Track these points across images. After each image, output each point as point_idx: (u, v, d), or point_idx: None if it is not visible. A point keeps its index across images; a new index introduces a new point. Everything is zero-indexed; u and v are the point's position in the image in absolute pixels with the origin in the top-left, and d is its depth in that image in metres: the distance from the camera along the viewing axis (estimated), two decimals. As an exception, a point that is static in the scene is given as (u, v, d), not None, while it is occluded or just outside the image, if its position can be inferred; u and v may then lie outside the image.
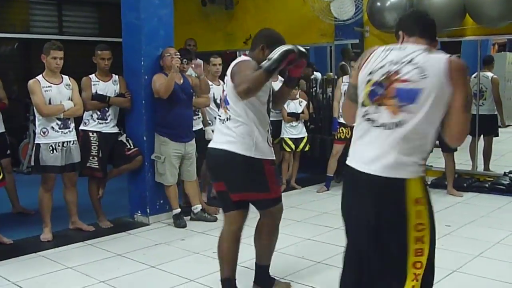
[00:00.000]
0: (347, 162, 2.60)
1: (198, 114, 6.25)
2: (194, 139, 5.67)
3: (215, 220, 5.70)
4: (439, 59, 2.42)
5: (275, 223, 3.66)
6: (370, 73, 2.54)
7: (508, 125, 8.62)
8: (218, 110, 6.45)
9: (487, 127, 7.48)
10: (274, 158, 3.56)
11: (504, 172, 6.97)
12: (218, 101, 6.51)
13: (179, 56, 5.42)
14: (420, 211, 2.49)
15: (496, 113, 7.61)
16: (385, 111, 2.46)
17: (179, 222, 5.50)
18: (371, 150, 2.47)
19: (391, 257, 2.52)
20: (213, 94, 6.47)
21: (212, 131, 6.28)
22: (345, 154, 7.35)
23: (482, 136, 7.46)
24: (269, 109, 3.57)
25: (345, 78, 6.88)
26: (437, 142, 7.09)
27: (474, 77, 7.57)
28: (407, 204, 2.43)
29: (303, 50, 3.35)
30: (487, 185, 6.81)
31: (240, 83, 3.19)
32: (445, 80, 2.37)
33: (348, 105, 2.72)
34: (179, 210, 5.55)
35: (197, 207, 5.72)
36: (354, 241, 2.65)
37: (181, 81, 5.51)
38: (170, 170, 5.47)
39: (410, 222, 2.45)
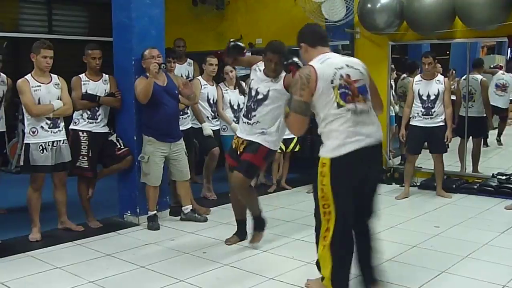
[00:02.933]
0: (350, 147, 3.28)
1: (188, 113, 6.26)
2: (181, 139, 5.65)
3: (205, 220, 5.70)
4: (358, 60, 3.52)
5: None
6: (332, 81, 3.28)
7: (496, 127, 8.69)
8: (211, 110, 6.60)
9: (476, 129, 7.53)
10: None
11: (493, 174, 7.01)
12: (212, 101, 6.56)
13: (158, 61, 5.36)
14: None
15: (485, 115, 7.65)
16: (359, 104, 3.34)
17: (152, 225, 5.44)
18: (366, 128, 3.33)
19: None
20: (207, 93, 6.51)
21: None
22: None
23: (471, 138, 7.50)
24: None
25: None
26: (426, 143, 7.17)
27: (464, 79, 7.62)
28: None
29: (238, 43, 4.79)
30: (475, 187, 6.85)
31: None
32: (367, 72, 3.47)
33: (301, 119, 3.36)
34: (154, 212, 5.50)
35: (188, 208, 5.71)
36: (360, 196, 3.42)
37: (165, 82, 5.47)
38: (155, 170, 5.43)
39: None
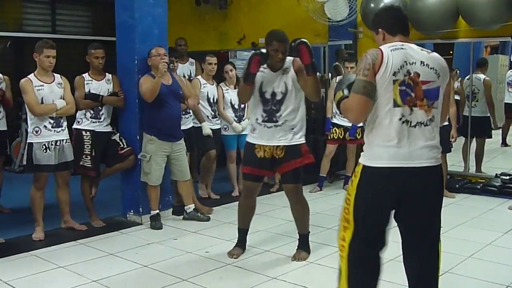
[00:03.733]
0: (380, 164, 2.82)
1: (190, 113, 6.26)
2: (182, 139, 5.65)
3: (208, 219, 5.70)
4: (440, 58, 2.91)
5: None
6: (394, 74, 2.78)
7: (500, 127, 8.67)
8: (211, 109, 6.59)
9: (480, 129, 7.52)
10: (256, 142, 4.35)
11: (496, 174, 7.00)
12: (212, 100, 6.56)
13: (166, 61, 5.36)
14: None
15: (488, 115, 7.64)
16: (419, 111, 2.82)
17: (154, 224, 5.43)
18: (415, 147, 2.81)
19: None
20: (207, 92, 6.51)
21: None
22: (338, 154, 7.41)
23: (474, 138, 7.49)
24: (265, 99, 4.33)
25: (339, 79, 6.90)
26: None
27: (467, 79, 7.60)
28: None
29: (261, 51, 4.16)
30: (479, 187, 6.84)
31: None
32: (447, 74, 2.91)
33: (366, 101, 2.78)
34: (156, 211, 5.50)
35: (190, 207, 5.71)
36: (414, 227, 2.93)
37: (170, 81, 5.48)
38: (156, 169, 5.43)
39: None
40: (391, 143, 2.79)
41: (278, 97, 4.27)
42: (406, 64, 2.79)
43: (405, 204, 2.85)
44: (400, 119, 2.79)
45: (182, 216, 5.75)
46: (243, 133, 6.69)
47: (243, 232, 4.70)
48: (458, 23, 6.70)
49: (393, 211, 2.90)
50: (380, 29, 2.97)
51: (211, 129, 6.51)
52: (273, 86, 4.28)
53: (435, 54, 2.91)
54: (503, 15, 6.18)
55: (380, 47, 2.85)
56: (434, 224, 2.94)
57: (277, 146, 4.31)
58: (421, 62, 2.82)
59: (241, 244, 4.68)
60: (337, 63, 7.86)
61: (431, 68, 2.84)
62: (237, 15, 8.80)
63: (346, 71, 6.75)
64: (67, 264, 4.43)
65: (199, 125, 6.45)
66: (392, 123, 2.79)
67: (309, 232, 4.60)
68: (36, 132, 4.96)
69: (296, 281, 3.99)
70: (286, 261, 4.47)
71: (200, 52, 7.77)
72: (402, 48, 2.82)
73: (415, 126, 2.80)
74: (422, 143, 2.80)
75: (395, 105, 2.79)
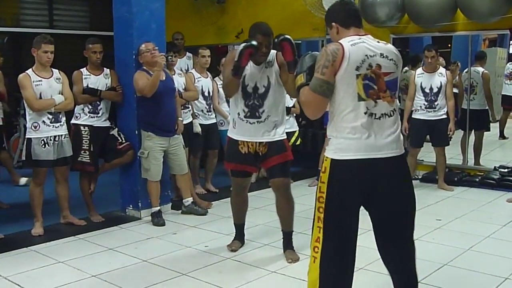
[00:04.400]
0: (352, 157, 2.78)
1: (188, 107, 6.25)
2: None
3: (205, 213, 5.71)
4: (394, 48, 2.94)
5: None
6: (357, 68, 2.76)
7: (497, 120, 8.67)
8: (206, 103, 6.55)
9: (478, 122, 7.52)
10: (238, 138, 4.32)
11: (495, 167, 7.00)
12: (206, 94, 6.54)
13: (164, 54, 5.34)
14: None
15: (487, 108, 7.65)
16: (383, 103, 2.81)
17: (157, 221, 5.41)
18: (381, 139, 2.80)
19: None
20: (201, 86, 6.48)
21: (200, 124, 6.37)
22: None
23: (473, 131, 7.50)
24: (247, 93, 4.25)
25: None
26: (428, 137, 7.17)
27: (466, 72, 7.60)
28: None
29: (253, 43, 4.01)
30: (477, 180, 6.84)
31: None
32: (401, 64, 2.95)
33: (321, 101, 2.80)
34: (158, 208, 5.49)
35: (188, 200, 5.72)
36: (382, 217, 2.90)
37: (164, 77, 5.45)
38: (155, 165, 5.43)
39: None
40: (357, 135, 2.77)
41: (261, 91, 4.21)
42: (368, 57, 2.78)
43: (377, 195, 2.82)
44: (366, 112, 2.78)
45: (180, 210, 5.76)
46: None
47: (239, 227, 4.70)
48: (456, 16, 6.70)
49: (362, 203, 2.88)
50: (333, 23, 2.96)
51: (206, 124, 6.48)
52: (255, 80, 4.20)
53: (390, 45, 2.95)
54: (501, 8, 6.18)
55: (340, 41, 2.81)
56: (408, 212, 2.92)
57: (260, 143, 4.27)
58: (381, 54, 2.82)
59: (239, 237, 4.69)
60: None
61: (390, 59, 2.84)
62: (235, 9, 8.78)
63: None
64: (66, 259, 4.43)
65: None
66: (358, 116, 2.78)
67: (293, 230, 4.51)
68: (35, 127, 4.96)
69: (295, 274, 4.00)
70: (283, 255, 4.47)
71: (198, 46, 7.76)
72: (361, 42, 2.82)
73: (379, 118, 2.81)
74: (387, 134, 2.82)
75: (360, 99, 2.78)
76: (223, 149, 6.80)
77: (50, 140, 4.99)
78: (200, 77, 6.50)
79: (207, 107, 6.57)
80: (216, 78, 6.71)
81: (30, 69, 5.00)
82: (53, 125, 5.02)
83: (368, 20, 7.21)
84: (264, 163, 4.38)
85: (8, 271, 4.16)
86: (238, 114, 4.27)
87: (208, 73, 6.63)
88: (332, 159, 2.80)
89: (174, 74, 5.93)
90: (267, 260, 4.35)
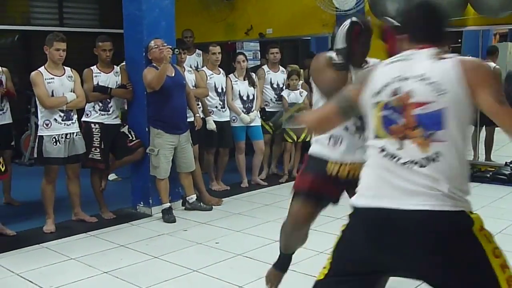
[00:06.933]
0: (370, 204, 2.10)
1: (198, 104, 6.25)
2: (188, 130, 5.66)
3: (210, 209, 5.74)
4: (446, 65, 2.02)
5: None
6: (376, 94, 2.12)
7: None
8: (219, 99, 6.55)
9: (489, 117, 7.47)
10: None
11: (506, 162, 6.97)
12: (219, 90, 6.55)
13: (170, 47, 5.35)
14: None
15: (497, 103, 7.59)
16: (411, 144, 2.03)
17: (168, 217, 5.42)
18: (403, 191, 2.02)
19: None
20: (214, 83, 6.49)
21: (214, 121, 6.38)
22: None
23: (484, 126, 7.46)
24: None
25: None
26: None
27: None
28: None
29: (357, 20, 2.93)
30: (488, 175, 6.82)
31: None
32: (461, 86, 2.00)
33: (334, 114, 2.27)
34: (168, 205, 5.50)
35: (192, 197, 5.75)
36: None
37: (173, 73, 5.47)
38: (164, 163, 5.45)
39: None
40: (374, 182, 2.12)
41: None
42: (394, 80, 2.07)
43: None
44: (382, 151, 2.09)
45: (184, 207, 5.80)
46: (251, 124, 6.71)
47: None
48: (466, 11, 6.66)
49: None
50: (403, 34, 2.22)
51: (219, 121, 6.48)
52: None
53: (444, 62, 2.04)
54: (511, 2, 6.13)
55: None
56: None
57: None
58: (421, 76, 2.03)
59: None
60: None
61: (431, 83, 2.00)
62: (244, 5, 8.78)
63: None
64: (78, 256, 4.46)
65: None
66: (375, 157, 2.12)
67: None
68: (47, 125, 4.99)
69: (307, 271, 4.00)
70: (297, 251, 4.45)
71: (207, 43, 7.78)
72: (403, 59, 2.11)
73: (404, 165, 2.03)
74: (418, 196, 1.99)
75: (376, 136, 2.13)
76: (235, 146, 6.87)
77: (62, 137, 5.02)
78: (212, 74, 6.50)
79: (221, 103, 6.55)
80: (231, 75, 6.71)
81: (43, 67, 5.03)
82: (65, 123, 5.04)
83: (378, 16, 7.19)
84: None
85: (21, 267, 4.19)
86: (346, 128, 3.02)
87: (220, 69, 6.63)
88: (351, 203, 2.23)
89: (184, 71, 5.94)
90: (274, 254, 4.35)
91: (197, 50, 7.50)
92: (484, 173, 6.90)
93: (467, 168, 2.12)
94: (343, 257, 2.26)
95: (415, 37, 2.16)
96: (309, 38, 9.30)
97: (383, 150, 2.09)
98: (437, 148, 2.00)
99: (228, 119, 6.67)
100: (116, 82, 5.52)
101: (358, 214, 2.17)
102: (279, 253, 3.56)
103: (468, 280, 2.03)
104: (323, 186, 3.08)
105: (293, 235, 3.40)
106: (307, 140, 7.21)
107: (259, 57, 9.77)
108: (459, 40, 8.47)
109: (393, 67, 2.12)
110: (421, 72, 2.03)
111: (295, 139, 7.13)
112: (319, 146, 3.12)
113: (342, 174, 3.07)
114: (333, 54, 2.97)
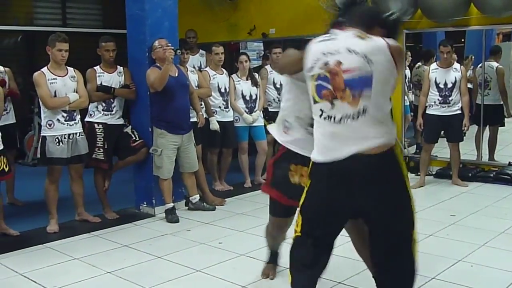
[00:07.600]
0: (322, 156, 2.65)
1: (201, 104, 6.25)
2: (191, 130, 5.66)
3: (213, 209, 5.74)
4: (379, 43, 2.54)
5: None
6: (310, 69, 2.64)
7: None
8: (222, 99, 6.54)
9: (493, 117, 7.46)
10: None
11: (509, 162, 6.95)
12: (223, 90, 6.55)
13: (172, 48, 5.36)
14: None
15: (501, 103, 7.58)
16: (342, 104, 2.55)
17: (171, 217, 5.41)
18: (343, 144, 2.57)
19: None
20: (217, 83, 6.49)
21: (217, 121, 6.37)
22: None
23: (487, 126, 7.45)
24: None
25: None
26: (442, 132, 7.11)
27: (480, 67, 7.55)
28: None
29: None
30: (492, 175, 6.80)
31: None
32: (388, 57, 2.53)
33: (295, 57, 2.88)
34: (171, 205, 5.50)
35: (195, 197, 5.75)
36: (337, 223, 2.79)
37: (176, 73, 5.48)
38: (167, 163, 5.44)
39: None
40: (319, 139, 2.68)
41: None
42: (324, 55, 2.59)
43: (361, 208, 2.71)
44: (321, 115, 2.61)
45: (187, 207, 5.79)
46: (254, 124, 6.70)
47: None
48: (469, 11, 6.65)
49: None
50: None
51: (222, 121, 6.48)
52: None
53: (376, 39, 2.56)
54: (515, 2, 6.12)
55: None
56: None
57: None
58: (348, 49, 2.54)
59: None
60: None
61: (357, 54, 2.51)
62: (247, 5, 8.77)
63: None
64: (81, 256, 4.46)
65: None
66: (318, 124, 2.66)
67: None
68: (49, 125, 4.99)
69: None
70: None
71: (210, 43, 7.78)
72: (329, 39, 2.66)
73: (340, 121, 2.56)
74: (352, 143, 2.56)
75: (314, 101, 2.65)
76: (238, 146, 6.86)
77: (65, 138, 5.02)
78: (215, 74, 6.50)
79: (224, 103, 6.55)
80: (234, 75, 6.71)
81: (45, 67, 5.03)
82: (68, 123, 5.05)
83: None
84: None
85: (24, 267, 4.20)
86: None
87: (223, 69, 6.64)
88: (310, 159, 2.77)
89: (187, 71, 5.95)
90: (282, 256, 4.35)
91: (200, 50, 7.50)
92: (488, 173, 6.88)
93: (388, 115, 2.64)
94: (312, 205, 2.71)
95: (348, 23, 2.70)
96: (312, 38, 9.30)
97: (322, 113, 2.59)
98: (364, 103, 2.52)
99: (232, 119, 6.67)
100: (120, 82, 5.52)
101: (317, 167, 2.67)
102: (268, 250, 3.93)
103: (393, 200, 2.68)
104: (295, 198, 2.99)
105: (279, 237, 3.79)
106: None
107: (265, 57, 9.74)
108: (462, 40, 8.47)
109: (320, 45, 2.64)
110: (349, 46, 2.53)
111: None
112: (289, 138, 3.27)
113: (302, 180, 3.20)
114: None
